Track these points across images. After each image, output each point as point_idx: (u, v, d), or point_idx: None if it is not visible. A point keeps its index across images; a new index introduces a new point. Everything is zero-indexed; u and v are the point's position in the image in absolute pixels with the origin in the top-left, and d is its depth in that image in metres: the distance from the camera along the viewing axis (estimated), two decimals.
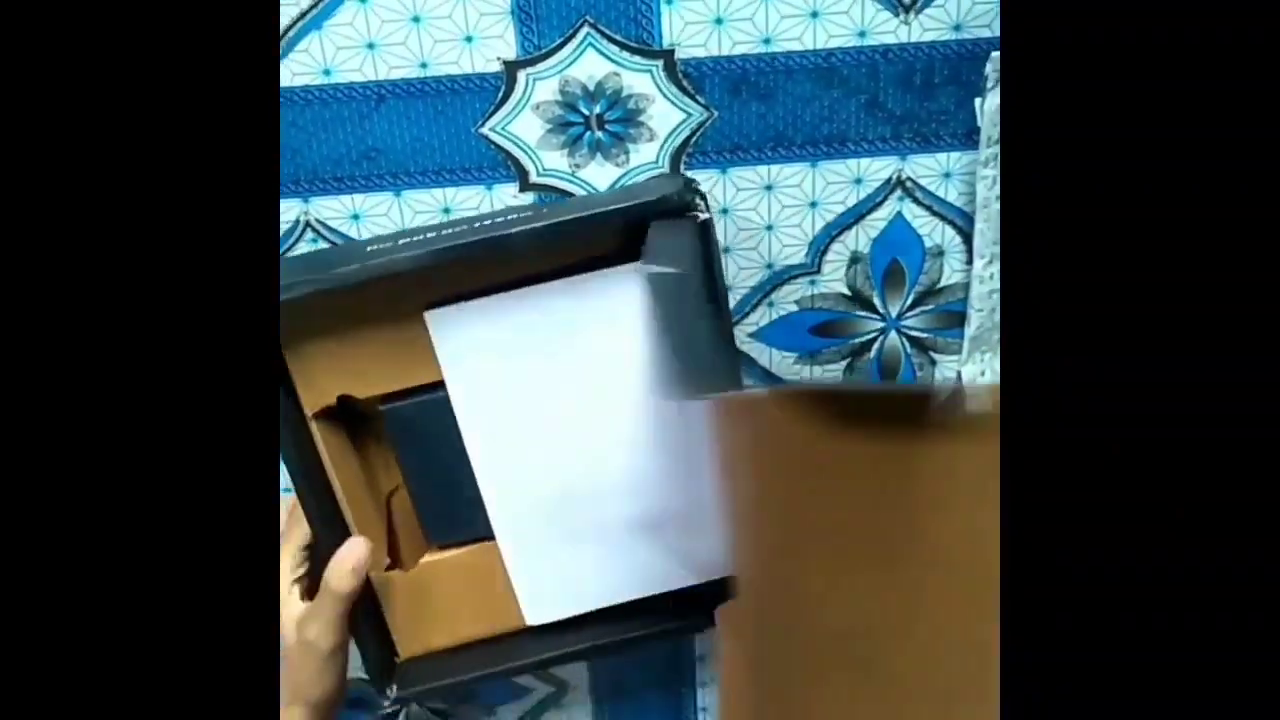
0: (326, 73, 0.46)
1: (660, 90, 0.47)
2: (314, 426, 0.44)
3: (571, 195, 0.49)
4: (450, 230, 0.42)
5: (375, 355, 0.43)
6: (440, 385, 0.44)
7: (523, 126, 0.47)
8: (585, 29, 0.46)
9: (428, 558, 0.48)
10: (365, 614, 0.47)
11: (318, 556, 0.45)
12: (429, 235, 0.42)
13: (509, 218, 0.43)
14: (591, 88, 0.47)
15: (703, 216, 0.40)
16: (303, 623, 0.44)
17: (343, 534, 0.46)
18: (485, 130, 0.47)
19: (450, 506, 0.47)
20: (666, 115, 0.48)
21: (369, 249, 0.43)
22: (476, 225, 0.43)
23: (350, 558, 0.43)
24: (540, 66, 0.46)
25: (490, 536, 0.47)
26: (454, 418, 0.44)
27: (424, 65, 0.46)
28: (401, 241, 0.42)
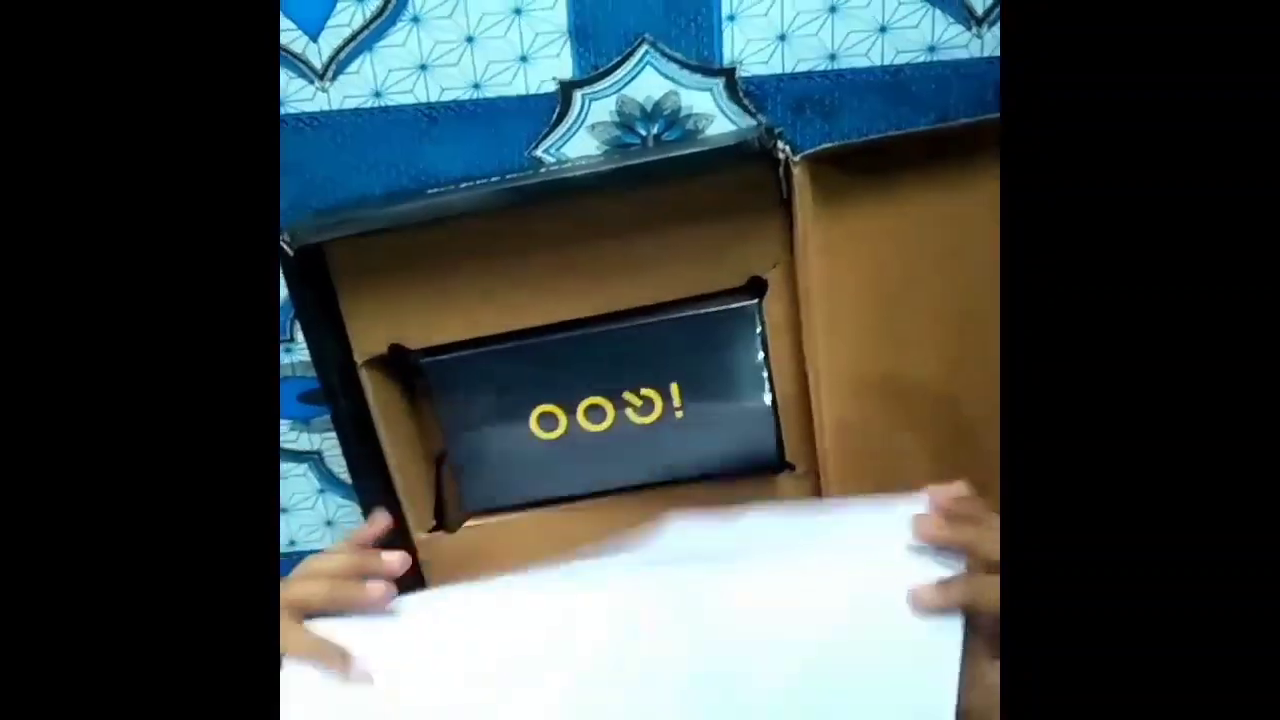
0: (377, 95, 0.45)
1: (720, 109, 0.45)
2: (363, 375, 0.43)
3: None
4: (516, 175, 0.41)
5: (431, 303, 0.42)
6: (493, 340, 0.43)
7: (578, 148, 0.46)
8: (644, 47, 0.44)
9: (473, 522, 0.47)
10: (407, 576, 0.44)
11: None
12: (493, 180, 0.41)
13: (577, 163, 0.43)
14: (649, 107, 0.45)
15: (782, 156, 0.39)
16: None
17: (388, 491, 0.44)
18: (539, 152, 0.46)
19: (490, 473, 0.45)
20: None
21: (430, 190, 0.42)
22: (543, 171, 0.42)
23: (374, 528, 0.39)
24: (596, 86, 0.45)
25: (527, 505, 0.45)
26: (498, 377, 0.43)
27: (477, 86, 0.45)
28: (464, 185, 0.41)
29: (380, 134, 0.45)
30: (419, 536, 0.46)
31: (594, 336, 0.43)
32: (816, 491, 0.45)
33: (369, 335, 0.43)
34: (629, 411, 0.45)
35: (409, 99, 0.45)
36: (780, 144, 0.40)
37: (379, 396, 0.44)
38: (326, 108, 0.45)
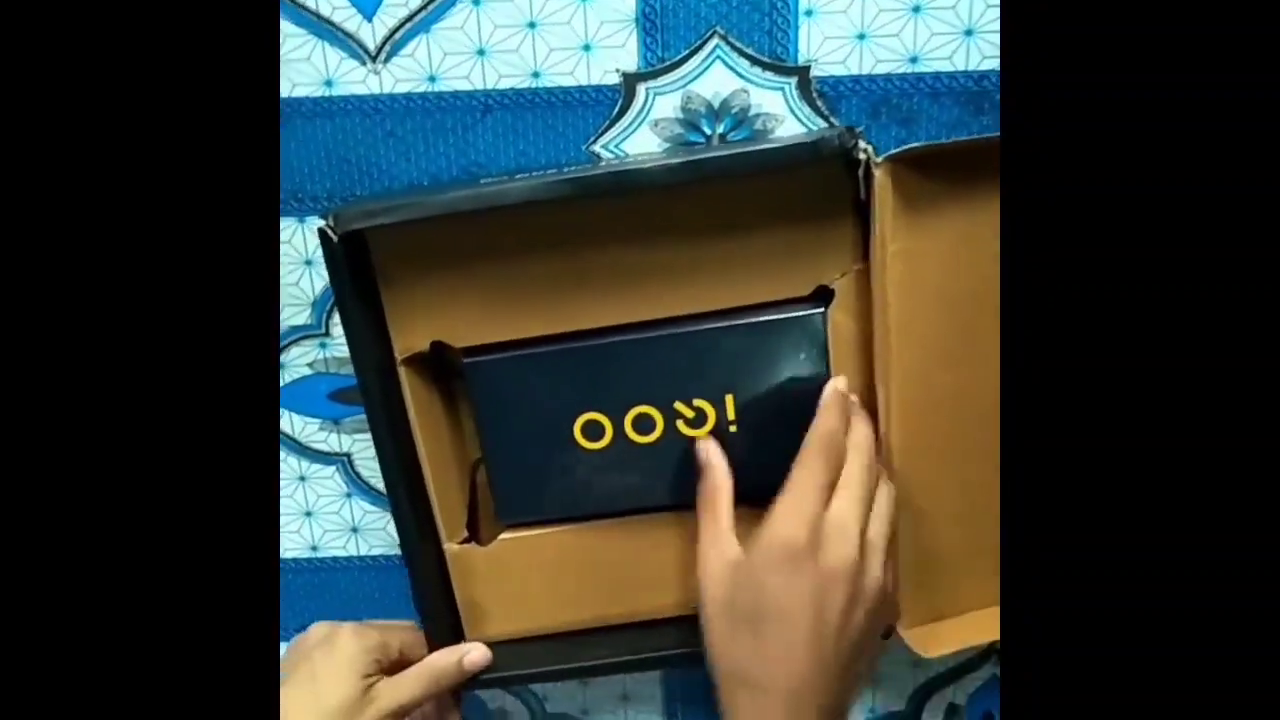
0: (431, 79, 0.42)
1: (791, 110, 0.43)
2: (402, 373, 0.40)
3: None
4: (574, 168, 0.39)
5: (478, 300, 0.40)
6: (539, 341, 0.40)
7: (638, 144, 0.43)
8: (714, 41, 0.42)
9: (507, 535, 0.44)
10: (436, 589, 0.43)
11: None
12: (549, 171, 0.39)
13: (640, 158, 0.40)
14: (716, 105, 0.43)
15: (863, 156, 0.37)
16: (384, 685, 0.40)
17: (420, 497, 0.42)
18: (597, 147, 0.43)
19: (528, 483, 0.42)
20: None
21: (482, 180, 0.39)
22: (603, 163, 0.40)
23: (471, 651, 0.42)
24: (662, 80, 0.42)
25: (565, 520, 0.43)
26: (543, 381, 0.40)
27: (536, 75, 0.42)
28: (519, 175, 0.39)
29: (432, 121, 0.43)
30: (450, 547, 0.43)
31: (645, 343, 0.41)
32: None
33: (411, 331, 0.40)
34: (679, 424, 0.42)
35: (464, 85, 0.42)
36: (862, 143, 0.37)
37: (417, 397, 0.41)
38: (378, 91, 0.42)
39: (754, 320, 0.40)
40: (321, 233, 0.37)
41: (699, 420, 0.42)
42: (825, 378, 0.40)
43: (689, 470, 0.42)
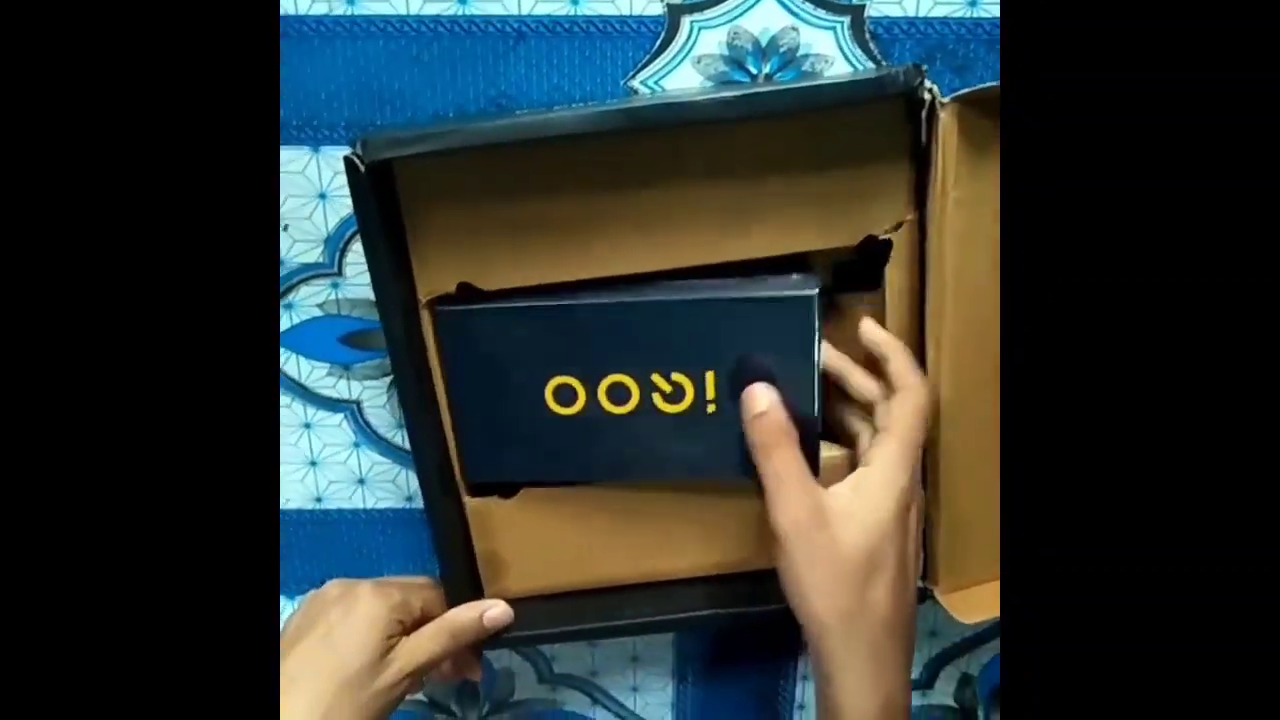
0: (463, 2, 0.40)
1: (842, 51, 0.41)
2: (425, 316, 0.38)
3: None
4: (618, 100, 0.37)
5: (508, 241, 0.37)
6: (514, 294, 0.38)
7: (679, 81, 0.41)
8: None
9: (529, 490, 0.42)
10: (457, 542, 0.42)
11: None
12: (590, 104, 0.37)
13: (690, 89, 0.38)
14: (764, 42, 0.40)
15: (928, 96, 0.35)
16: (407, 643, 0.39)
17: (439, 443, 0.40)
18: (635, 83, 0.41)
19: (495, 442, 0.40)
20: None
21: (517, 113, 0.37)
22: (647, 96, 0.38)
23: (492, 607, 0.41)
24: (709, 13, 0.40)
25: (527, 484, 0.41)
26: (518, 338, 0.38)
27: (575, 1, 0.40)
28: (556, 108, 0.36)
29: (461, 47, 0.40)
30: (470, 501, 0.41)
31: (627, 307, 0.38)
32: None
33: (437, 272, 0.38)
34: (655, 396, 0.39)
35: (497, 9, 0.40)
36: (927, 82, 0.35)
37: (440, 341, 0.39)
38: (404, 11, 0.40)
39: (743, 296, 0.37)
40: (348, 161, 0.35)
41: (677, 395, 0.39)
42: (812, 365, 0.38)
43: (662, 444, 0.39)
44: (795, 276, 0.39)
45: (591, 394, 0.39)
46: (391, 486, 0.48)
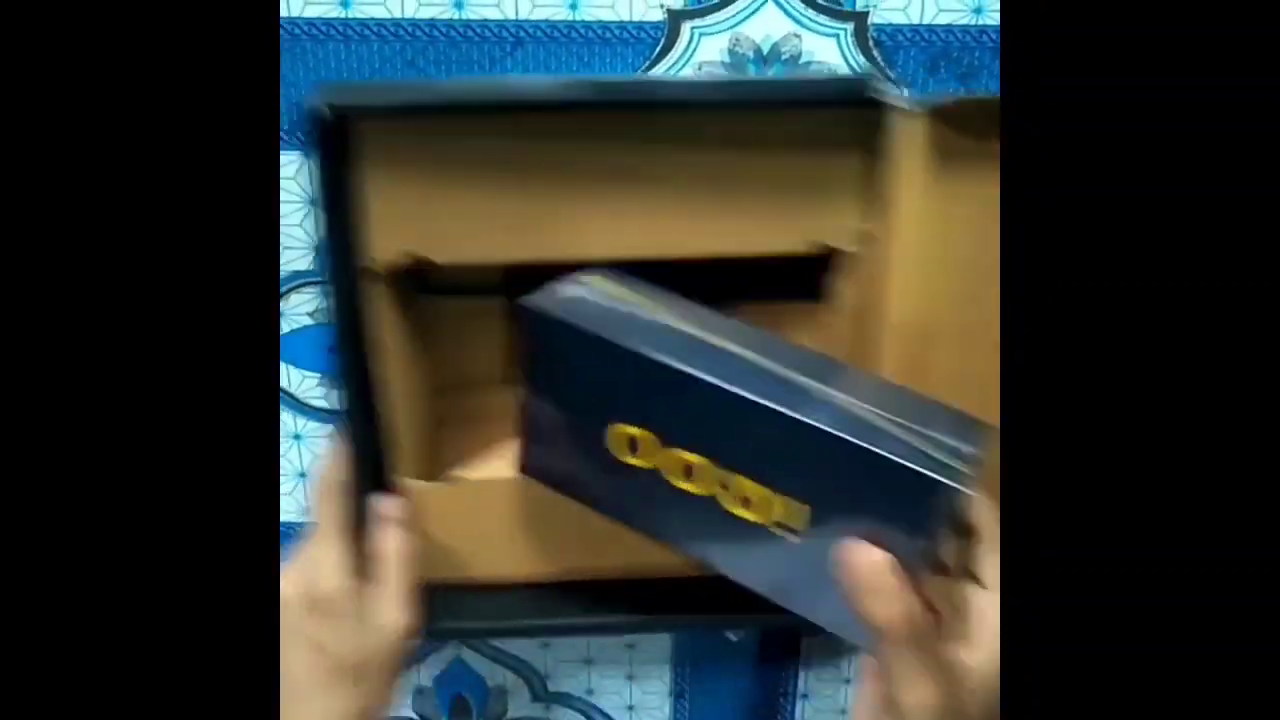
0: (458, 5, 0.39)
1: (845, 59, 0.40)
2: (370, 288, 0.36)
3: None
4: (593, 80, 0.35)
5: (469, 212, 0.36)
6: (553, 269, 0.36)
7: None
8: None
9: (473, 475, 0.41)
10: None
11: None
12: (564, 80, 0.35)
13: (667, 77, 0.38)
14: (766, 49, 0.40)
15: (887, 101, 0.33)
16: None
17: (373, 425, 0.38)
18: None
19: (552, 449, 0.37)
20: None
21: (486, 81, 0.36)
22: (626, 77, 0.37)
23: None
24: (709, 19, 0.39)
25: (576, 499, 0.38)
26: (614, 378, 0.34)
27: (574, 7, 0.39)
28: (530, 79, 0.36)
29: (457, 52, 0.39)
30: (413, 484, 0.40)
31: (740, 401, 0.32)
32: None
33: (388, 239, 0.36)
34: (725, 493, 0.34)
35: (494, 13, 0.39)
36: (897, 89, 0.34)
37: (386, 317, 0.37)
38: (399, 15, 0.39)
39: (880, 452, 0.31)
40: (311, 113, 0.33)
41: (750, 504, 0.34)
42: (934, 549, 0.31)
43: (723, 539, 0.35)
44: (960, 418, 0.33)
45: (659, 458, 0.35)
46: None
